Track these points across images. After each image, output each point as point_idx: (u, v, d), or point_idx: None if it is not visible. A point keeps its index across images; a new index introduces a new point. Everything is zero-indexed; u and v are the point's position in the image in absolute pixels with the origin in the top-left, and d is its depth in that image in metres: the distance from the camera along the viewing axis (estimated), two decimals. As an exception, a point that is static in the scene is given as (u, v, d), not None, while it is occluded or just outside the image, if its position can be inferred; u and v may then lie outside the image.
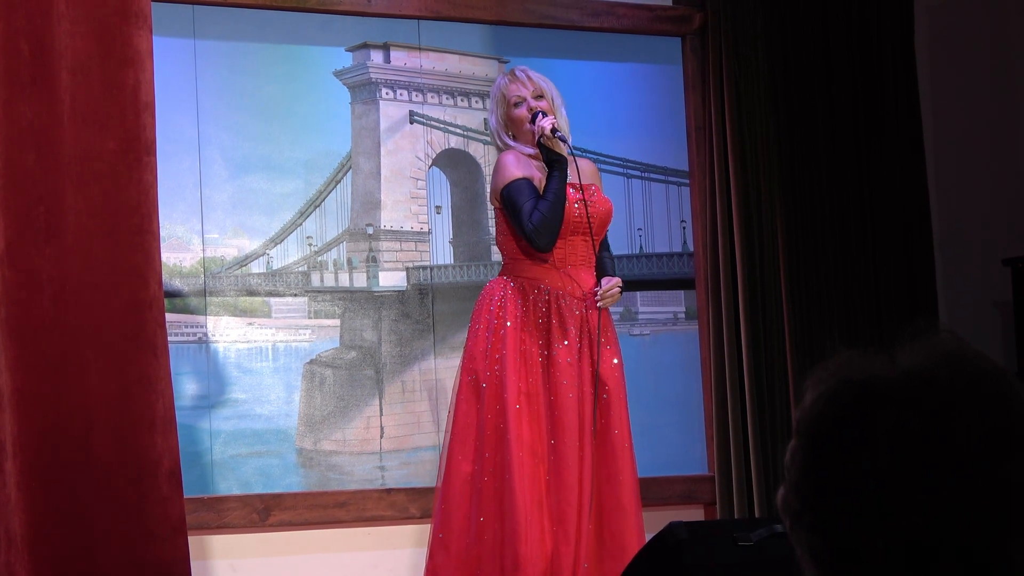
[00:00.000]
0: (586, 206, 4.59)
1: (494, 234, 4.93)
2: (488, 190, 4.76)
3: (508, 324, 4.53)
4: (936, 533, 1.20)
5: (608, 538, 4.53)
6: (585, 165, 4.78)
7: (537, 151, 4.65)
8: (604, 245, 4.80)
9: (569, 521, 4.45)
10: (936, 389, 1.24)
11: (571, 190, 4.62)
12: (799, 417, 1.30)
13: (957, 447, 1.22)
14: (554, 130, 4.55)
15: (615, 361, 4.62)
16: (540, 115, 4.59)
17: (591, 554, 4.49)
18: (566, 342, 4.53)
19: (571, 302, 4.57)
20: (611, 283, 4.60)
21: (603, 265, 4.74)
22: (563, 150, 4.58)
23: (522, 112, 4.64)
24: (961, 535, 1.20)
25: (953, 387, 1.24)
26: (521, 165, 4.61)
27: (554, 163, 4.57)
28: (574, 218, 4.59)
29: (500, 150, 4.76)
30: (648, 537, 4.51)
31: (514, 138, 4.69)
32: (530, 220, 4.51)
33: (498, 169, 4.66)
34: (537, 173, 4.62)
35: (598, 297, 4.56)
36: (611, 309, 4.75)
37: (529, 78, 4.68)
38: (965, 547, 1.20)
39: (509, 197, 4.56)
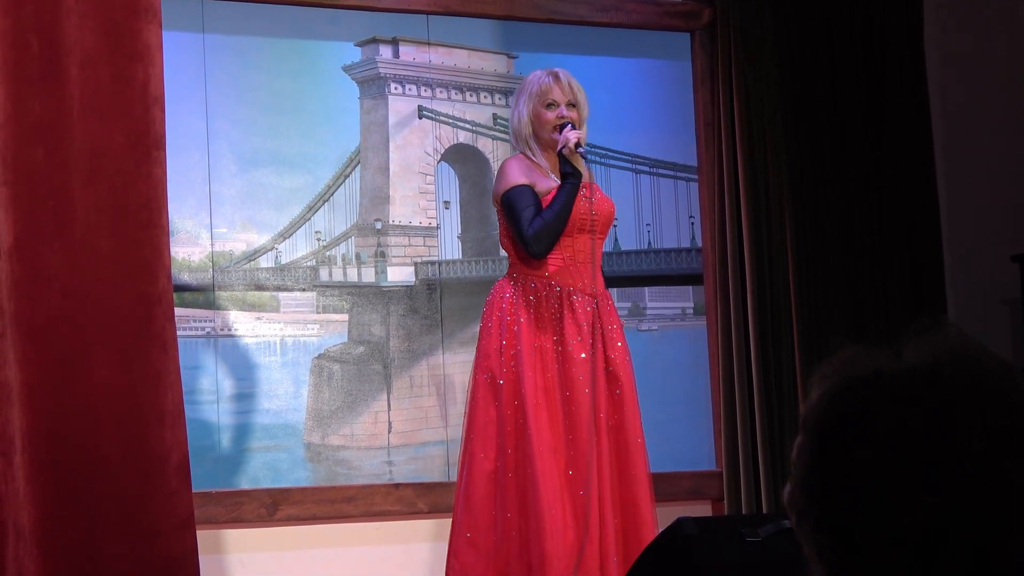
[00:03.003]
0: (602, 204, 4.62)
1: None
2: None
3: (522, 320, 4.52)
4: (938, 531, 1.20)
5: (627, 534, 4.53)
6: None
7: (549, 157, 4.65)
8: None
9: (589, 516, 4.46)
10: (938, 387, 1.24)
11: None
12: (805, 414, 1.30)
13: (958, 445, 1.22)
14: (578, 145, 4.54)
15: (623, 358, 4.61)
16: (569, 127, 4.57)
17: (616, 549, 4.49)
18: (579, 338, 4.53)
19: (582, 298, 4.57)
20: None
21: None
22: (581, 167, 4.57)
23: (552, 116, 4.61)
24: (963, 533, 1.20)
25: (954, 385, 1.24)
26: (523, 171, 4.61)
27: (568, 175, 4.55)
28: (580, 215, 4.58)
29: (513, 146, 4.75)
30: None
31: (534, 135, 4.65)
32: (530, 226, 4.50)
33: (501, 174, 4.66)
34: (540, 180, 4.60)
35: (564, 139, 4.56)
36: (618, 303, 4.79)
37: (570, 85, 4.65)
38: (967, 545, 1.20)
39: (509, 202, 4.57)
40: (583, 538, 4.44)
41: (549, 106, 4.61)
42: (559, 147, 4.57)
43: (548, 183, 4.60)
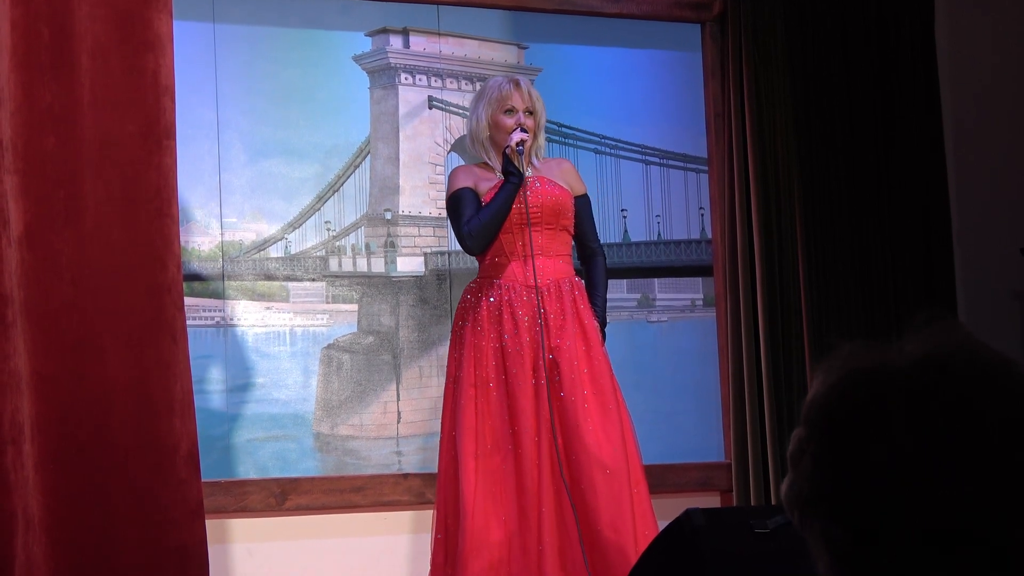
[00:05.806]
0: (525, 203, 4.66)
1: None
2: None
3: (467, 324, 4.66)
4: (956, 519, 1.21)
5: (574, 521, 4.54)
6: (555, 164, 4.86)
7: (499, 161, 4.73)
8: (593, 252, 4.85)
9: (530, 508, 4.52)
10: (952, 378, 1.25)
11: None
12: (809, 406, 1.30)
13: (975, 435, 1.22)
14: (519, 144, 4.64)
15: (568, 343, 4.63)
16: (520, 130, 4.68)
17: (555, 537, 4.53)
18: (516, 331, 4.62)
19: (521, 291, 4.65)
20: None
21: (592, 277, 4.82)
22: (521, 166, 4.65)
23: (511, 122, 4.70)
24: (981, 520, 1.21)
25: (968, 376, 1.25)
26: (468, 177, 4.74)
27: (509, 175, 4.65)
28: (514, 211, 4.66)
29: (468, 147, 4.84)
30: (654, 520, 4.54)
31: (491, 139, 4.74)
32: (467, 224, 4.64)
33: (448, 182, 4.79)
34: (486, 182, 4.72)
35: None
36: (627, 294, 4.80)
37: (530, 93, 4.76)
38: (987, 538, 1.21)
39: (453, 205, 4.70)
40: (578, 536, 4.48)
41: (508, 112, 4.72)
42: (504, 146, 4.68)
43: (494, 183, 4.71)
